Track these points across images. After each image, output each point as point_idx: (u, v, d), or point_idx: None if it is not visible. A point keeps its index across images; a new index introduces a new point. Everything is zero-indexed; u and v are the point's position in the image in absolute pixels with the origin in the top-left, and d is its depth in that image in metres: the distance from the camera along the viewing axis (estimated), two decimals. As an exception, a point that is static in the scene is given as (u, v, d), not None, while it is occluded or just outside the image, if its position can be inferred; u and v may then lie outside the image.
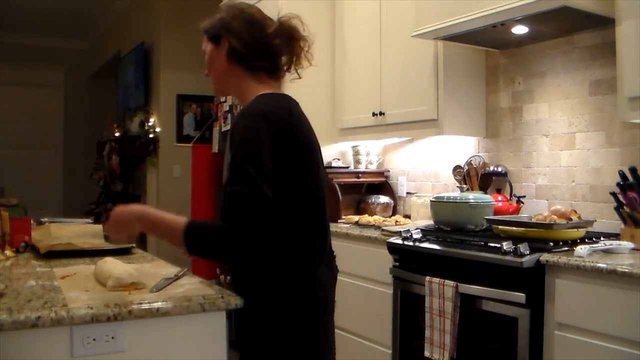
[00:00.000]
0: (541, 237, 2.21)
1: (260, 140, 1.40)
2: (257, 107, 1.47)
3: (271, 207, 1.39)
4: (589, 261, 1.92)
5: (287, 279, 1.49)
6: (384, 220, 3.20)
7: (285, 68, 1.65)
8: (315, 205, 1.54)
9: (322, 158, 1.61)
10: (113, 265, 1.53)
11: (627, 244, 2.10)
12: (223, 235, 1.37)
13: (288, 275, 1.49)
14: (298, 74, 1.67)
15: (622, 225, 2.30)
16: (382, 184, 3.74)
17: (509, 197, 2.91)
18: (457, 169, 3.21)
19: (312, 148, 1.55)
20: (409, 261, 2.60)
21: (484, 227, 2.57)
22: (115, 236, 1.51)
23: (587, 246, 2.04)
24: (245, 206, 1.36)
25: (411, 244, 2.56)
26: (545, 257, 2.06)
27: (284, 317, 1.48)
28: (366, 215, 3.42)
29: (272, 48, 1.60)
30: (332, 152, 3.85)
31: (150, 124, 5.95)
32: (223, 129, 4.09)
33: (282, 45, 1.60)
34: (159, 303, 1.30)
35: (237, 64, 1.59)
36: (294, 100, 1.60)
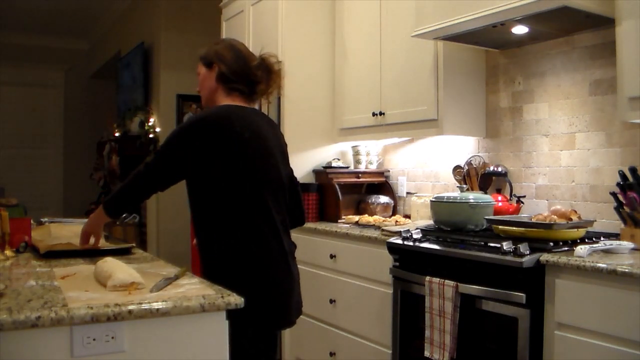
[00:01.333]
0: (541, 237, 2.21)
1: (180, 137, 1.94)
2: (199, 115, 1.99)
3: (161, 177, 1.95)
4: (589, 261, 1.92)
5: (237, 254, 1.92)
6: (384, 220, 3.20)
7: (261, 93, 2.11)
8: (255, 191, 1.94)
9: (274, 152, 2.04)
10: (113, 265, 1.53)
11: (627, 244, 2.10)
12: (131, 180, 1.96)
13: (237, 252, 1.92)
14: (269, 100, 2.20)
15: (622, 225, 2.30)
16: (382, 184, 3.74)
17: (509, 197, 2.91)
18: (457, 169, 3.21)
19: (247, 143, 1.94)
20: (409, 261, 2.60)
21: (484, 227, 2.57)
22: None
23: (587, 246, 2.04)
24: (146, 171, 1.95)
25: (411, 244, 2.56)
26: (545, 257, 2.06)
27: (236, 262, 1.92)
28: (366, 215, 3.42)
29: (253, 77, 2.06)
30: (332, 152, 3.85)
31: (150, 124, 5.95)
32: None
33: (262, 75, 2.08)
34: (159, 303, 1.30)
35: (221, 85, 2.07)
36: (251, 112, 2.04)
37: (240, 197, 1.92)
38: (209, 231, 1.97)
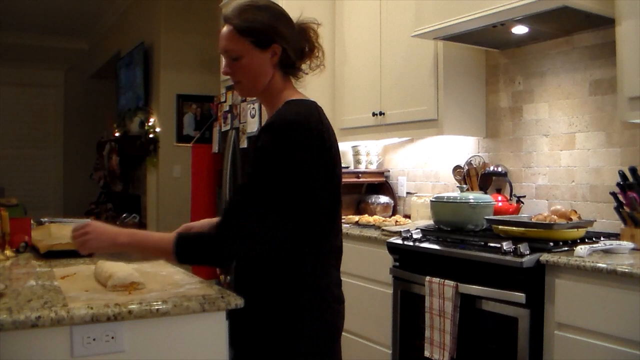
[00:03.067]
0: (541, 237, 2.21)
1: (288, 154, 1.39)
2: (291, 117, 1.44)
3: (272, 221, 1.39)
4: (589, 261, 1.92)
5: (298, 282, 1.48)
6: (384, 220, 3.20)
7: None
8: (332, 211, 1.53)
9: (341, 162, 1.60)
10: (113, 265, 1.53)
11: (627, 244, 2.10)
12: (213, 244, 1.39)
13: (299, 278, 1.48)
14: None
15: (622, 225, 2.30)
16: (382, 184, 3.74)
17: (509, 197, 2.91)
18: (457, 169, 3.21)
19: (337, 155, 1.53)
20: (409, 261, 2.60)
21: (484, 227, 2.57)
22: (87, 251, 1.47)
23: (587, 246, 2.04)
24: (245, 219, 1.37)
25: (411, 244, 2.56)
26: (545, 257, 2.06)
27: (293, 321, 1.47)
28: (366, 215, 3.42)
29: (303, 51, 1.58)
30: (332, 152, 3.84)
31: (150, 124, 5.95)
32: (223, 129, 4.09)
33: (305, 47, 1.59)
34: (159, 303, 1.30)
35: (279, 70, 1.55)
36: (319, 107, 1.56)
37: (323, 222, 1.51)
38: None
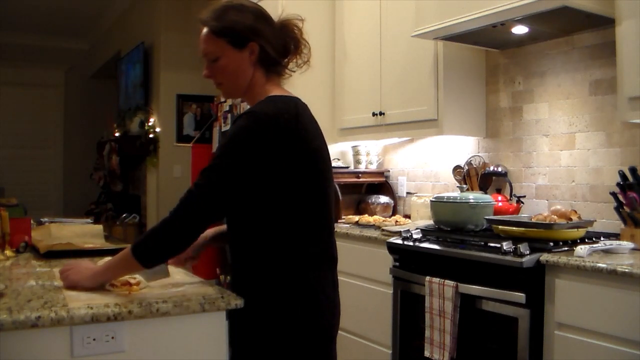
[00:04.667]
0: (541, 237, 2.21)
1: (251, 144, 1.39)
2: (264, 110, 1.44)
3: (223, 209, 1.43)
4: (589, 261, 1.92)
5: (291, 284, 1.47)
6: (384, 220, 3.19)
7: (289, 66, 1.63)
8: (321, 210, 1.52)
9: (330, 160, 1.59)
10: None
11: (627, 244, 2.10)
12: (166, 225, 1.39)
13: (292, 280, 1.48)
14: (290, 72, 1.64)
15: (622, 225, 2.30)
16: (382, 184, 3.74)
17: (509, 197, 2.91)
18: (457, 169, 3.21)
19: (318, 153, 1.51)
20: (409, 261, 2.60)
21: (484, 227, 2.57)
22: (69, 284, 1.46)
23: (587, 246, 2.04)
24: (198, 203, 1.39)
25: (411, 244, 2.56)
26: (545, 257, 2.06)
27: (286, 323, 1.46)
28: (366, 215, 3.42)
29: (286, 49, 1.59)
30: (332, 152, 3.79)
31: (150, 124, 5.95)
32: (223, 129, 4.09)
33: (290, 44, 1.60)
34: (159, 303, 1.30)
35: (260, 68, 1.55)
36: (302, 103, 1.56)
37: (309, 225, 1.50)
38: (266, 261, 1.48)
